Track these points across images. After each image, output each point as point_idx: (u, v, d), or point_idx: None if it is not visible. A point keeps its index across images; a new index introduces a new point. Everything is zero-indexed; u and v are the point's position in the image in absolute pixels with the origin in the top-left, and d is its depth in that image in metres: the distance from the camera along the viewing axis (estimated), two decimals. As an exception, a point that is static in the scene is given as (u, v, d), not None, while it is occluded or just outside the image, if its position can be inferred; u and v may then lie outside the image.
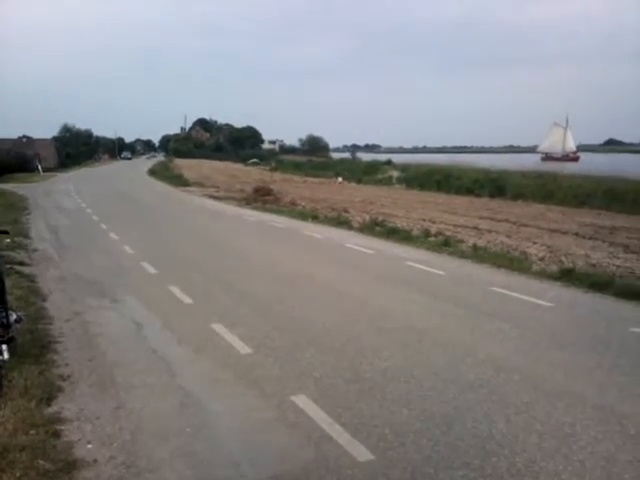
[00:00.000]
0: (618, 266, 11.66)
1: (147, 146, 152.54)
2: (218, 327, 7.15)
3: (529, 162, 56.20)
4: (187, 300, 8.61)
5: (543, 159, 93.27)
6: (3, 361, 5.20)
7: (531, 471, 3.99)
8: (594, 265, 11.67)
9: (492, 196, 30.38)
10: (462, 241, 14.67)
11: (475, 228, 17.54)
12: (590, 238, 15.86)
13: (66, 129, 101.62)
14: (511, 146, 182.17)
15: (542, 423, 4.67)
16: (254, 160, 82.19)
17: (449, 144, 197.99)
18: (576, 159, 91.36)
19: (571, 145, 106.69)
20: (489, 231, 16.95)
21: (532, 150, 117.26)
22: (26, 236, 15.09)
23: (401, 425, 4.62)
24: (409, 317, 7.84)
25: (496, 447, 4.28)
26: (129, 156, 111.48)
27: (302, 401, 5.04)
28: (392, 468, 4.02)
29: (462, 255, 12.70)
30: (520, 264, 11.54)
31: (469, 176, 35.72)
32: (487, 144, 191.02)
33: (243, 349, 6.39)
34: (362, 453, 4.19)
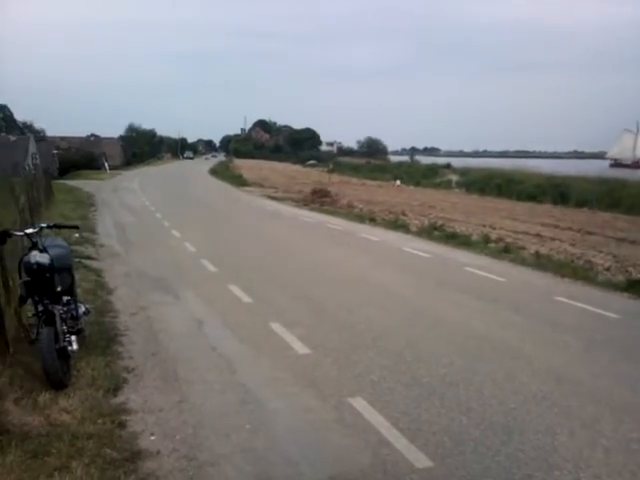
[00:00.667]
0: (690, 278, 11.14)
1: (208, 146, 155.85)
2: (276, 326, 7.23)
3: (596, 168, 54.15)
4: (246, 299, 8.74)
5: (612, 165, 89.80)
6: (72, 351, 5.41)
7: (596, 487, 3.88)
8: (664, 277, 11.20)
9: (555, 203, 29.60)
10: (524, 248, 14.35)
11: (537, 235, 17.11)
12: (660, 248, 15.23)
13: (132, 129, 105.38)
14: (576, 151, 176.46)
15: (608, 438, 4.52)
16: (312, 162, 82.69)
17: (511, 148, 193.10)
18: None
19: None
20: (552, 239, 16.51)
21: (599, 156, 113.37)
22: (93, 231, 15.68)
23: (460, 433, 4.56)
24: (468, 323, 7.73)
25: (559, 461, 4.17)
26: (191, 156, 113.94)
27: (359, 404, 5.04)
28: (451, 476, 3.97)
29: (523, 262, 12.42)
30: (585, 273, 11.20)
31: (531, 181, 34.88)
32: (551, 149, 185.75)
33: (302, 349, 6.44)
34: (420, 459, 4.16)
